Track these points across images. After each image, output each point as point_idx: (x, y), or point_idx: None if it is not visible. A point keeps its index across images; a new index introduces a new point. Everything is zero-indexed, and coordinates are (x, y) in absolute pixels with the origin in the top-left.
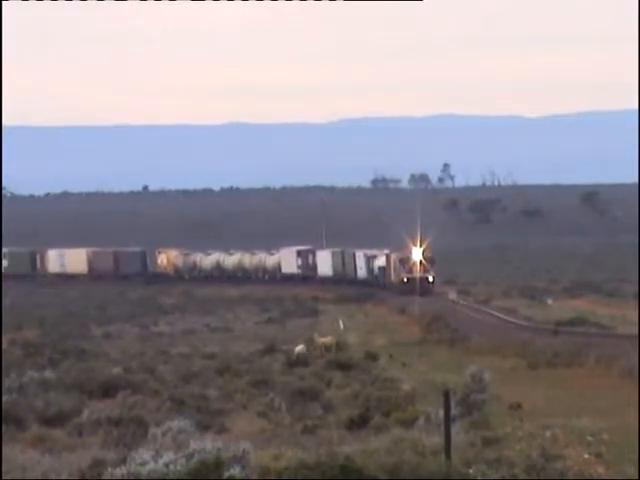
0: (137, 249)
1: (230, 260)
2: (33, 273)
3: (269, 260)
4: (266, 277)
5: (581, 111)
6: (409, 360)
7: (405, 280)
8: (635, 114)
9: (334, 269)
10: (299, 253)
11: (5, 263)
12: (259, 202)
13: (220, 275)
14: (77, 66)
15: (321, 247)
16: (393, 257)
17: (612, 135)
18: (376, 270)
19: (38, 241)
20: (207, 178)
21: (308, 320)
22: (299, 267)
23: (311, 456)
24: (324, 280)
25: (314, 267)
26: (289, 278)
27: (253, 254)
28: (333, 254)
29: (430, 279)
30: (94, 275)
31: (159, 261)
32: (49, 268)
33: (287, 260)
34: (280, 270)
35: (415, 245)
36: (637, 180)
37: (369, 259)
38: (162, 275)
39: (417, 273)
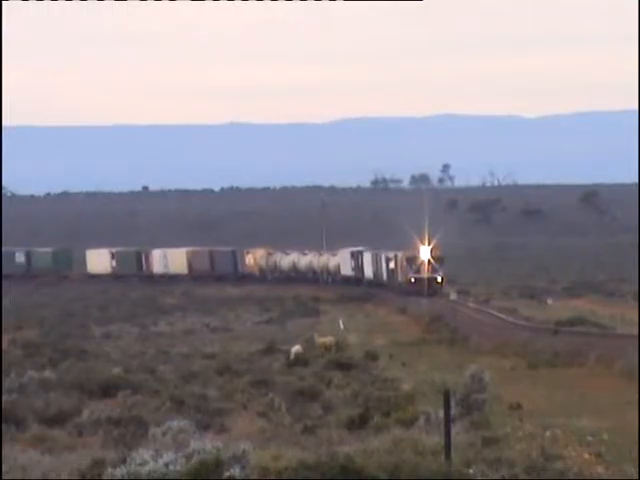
0: (229, 248)
1: (303, 261)
2: (139, 274)
3: (331, 261)
4: (329, 279)
5: (581, 111)
6: (409, 360)
7: (412, 280)
8: (635, 114)
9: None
10: (352, 254)
11: (114, 263)
12: (259, 202)
13: (296, 276)
14: (77, 66)
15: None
16: (400, 256)
17: (612, 135)
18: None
19: (38, 241)
20: (207, 178)
21: (308, 320)
22: (352, 269)
23: (311, 456)
24: (370, 282)
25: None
26: (347, 280)
27: (321, 255)
28: (375, 256)
29: (439, 279)
30: (194, 276)
31: (247, 261)
32: (154, 269)
33: (344, 261)
34: (340, 272)
35: (423, 244)
36: (637, 180)
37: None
38: (250, 275)
39: (425, 273)
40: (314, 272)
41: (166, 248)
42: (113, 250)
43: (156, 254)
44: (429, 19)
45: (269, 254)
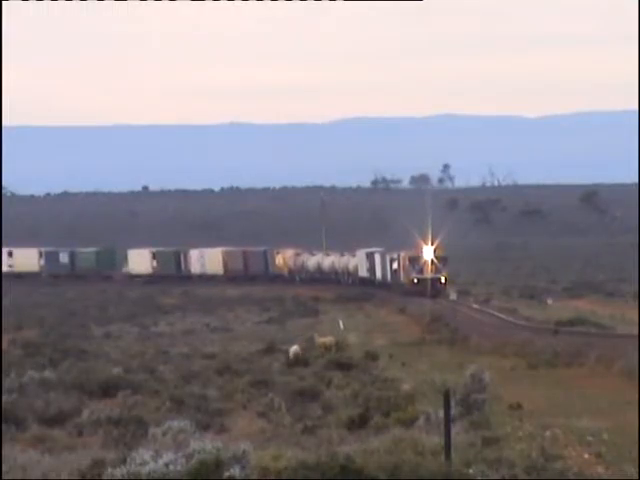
0: (260, 248)
1: (326, 262)
2: (178, 274)
3: (351, 262)
4: (350, 280)
5: (581, 111)
6: (409, 360)
7: (415, 281)
8: (635, 114)
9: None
10: (367, 255)
11: (154, 263)
12: (259, 202)
13: (320, 276)
14: (77, 66)
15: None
16: (402, 256)
17: (612, 135)
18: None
19: (38, 241)
20: (207, 178)
21: (308, 320)
22: (367, 270)
23: (311, 456)
24: (380, 283)
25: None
26: (363, 281)
27: (342, 256)
28: (382, 256)
29: (442, 280)
30: (229, 276)
31: (277, 261)
32: (192, 269)
33: (361, 262)
34: (357, 273)
35: (426, 244)
36: (637, 180)
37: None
38: (280, 276)
39: (428, 273)
40: (336, 273)
41: (203, 248)
42: (154, 250)
43: (194, 254)
44: (429, 19)
45: (297, 255)
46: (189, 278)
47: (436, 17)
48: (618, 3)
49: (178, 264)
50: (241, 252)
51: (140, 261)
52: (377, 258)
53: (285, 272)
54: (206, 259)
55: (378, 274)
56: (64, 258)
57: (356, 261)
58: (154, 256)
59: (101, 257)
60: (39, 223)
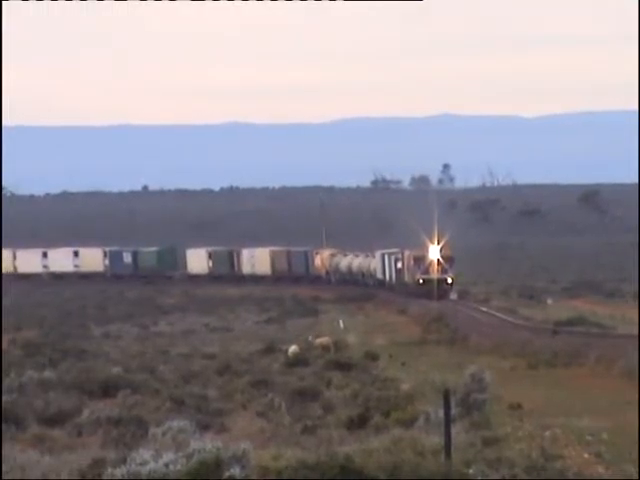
0: (302, 249)
1: (354, 263)
2: (232, 274)
3: (372, 264)
4: (371, 282)
5: (580, 111)
6: (409, 360)
7: (421, 281)
8: (634, 114)
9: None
10: (382, 256)
11: (210, 263)
12: (258, 202)
13: (350, 278)
14: (77, 65)
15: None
16: (407, 255)
17: (611, 135)
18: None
19: (37, 241)
20: (206, 178)
21: (308, 320)
22: (382, 271)
23: (311, 456)
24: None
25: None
26: (380, 283)
27: (366, 257)
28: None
29: (449, 281)
30: (276, 277)
31: (316, 262)
32: (243, 269)
33: (378, 264)
34: (376, 275)
35: (432, 243)
36: (636, 180)
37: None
38: (319, 277)
39: (434, 274)
40: (363, 275)
41: (253, 248)
42: (210, 250)
43: (245, 254)
44: (429, 19)
45: (332, 255)
46: (242, 278)
47: (436, 17)
48: (618, 3)
49: (232, 264)
50: (286, 252)
51: (197, 261)
52: (386, 259)
53: (323, 273)
54: (256, 259)
55: (387, 275)
56: (127, 258)
57: (375, 262)
58: (210, 256)
59: (162, 257)
60: (38, 223)
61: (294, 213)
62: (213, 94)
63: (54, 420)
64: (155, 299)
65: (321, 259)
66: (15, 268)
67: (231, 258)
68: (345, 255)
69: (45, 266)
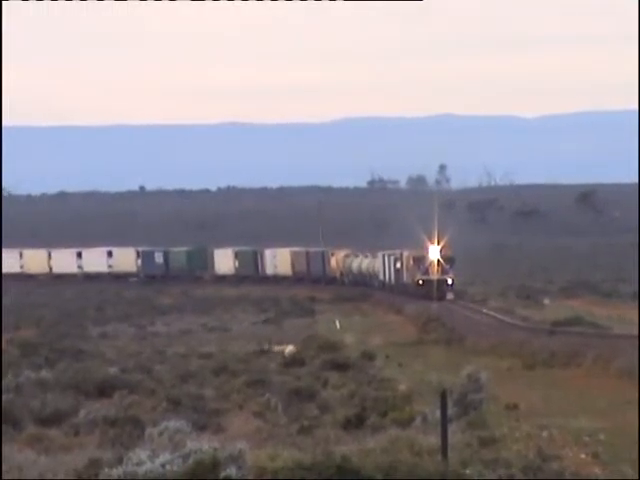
0: (319, 249)
1: (364, 264)
2: (256, 275)
3: (376, 264)
4: (375, 283)
5: (578, 111)
6: (406, 360)
7: (420, 282)
8: (633, 114)
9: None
10: (383, 257)
11: (236, 263)
12: (256, 202)
13: (361, 279)
14: (75, 66)
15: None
16: (406, 256)
17: (609, 135)
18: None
19: (35, 242)
20: (204, 178)
21: (305, 320)
22: (383, 272)
23: (307, 456)
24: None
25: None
26: (383, 284)
27: (372, 257)
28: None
29: (449, 282)
30: (296, 278)
31: (332, 263)
32: (267, 270)
33: (380, 265)
34: (378, 276)
35: (432, 243)
36: (635, 180)
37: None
38: (335, 278)
39: (434, 275)
40: (370, 276)
41: (275, 248)
42: (236, 249)
43: (268, 254)
44: (428, 19)
45: (346, 256)
46: (266, 279)
47: (434, 17)
48: (617, 3)
49: (256, 264)
50: (305, 253)
51: (225, 261)
52: (385, 260)
53: (338, 274)
54: (277, 260)
55: (386, 276)
56: (159, 258)
57: (378, 263)
58: (236, 256)
59: (192, 257)
60: (36, 223)
61: (292, 213)
62: (211, 94)
63: (51, 420)
64: (152, 299)
65: (336, 260)
66: (50, 268)
67: (255, 259)
68: (357, 256)
69: (80, 266)
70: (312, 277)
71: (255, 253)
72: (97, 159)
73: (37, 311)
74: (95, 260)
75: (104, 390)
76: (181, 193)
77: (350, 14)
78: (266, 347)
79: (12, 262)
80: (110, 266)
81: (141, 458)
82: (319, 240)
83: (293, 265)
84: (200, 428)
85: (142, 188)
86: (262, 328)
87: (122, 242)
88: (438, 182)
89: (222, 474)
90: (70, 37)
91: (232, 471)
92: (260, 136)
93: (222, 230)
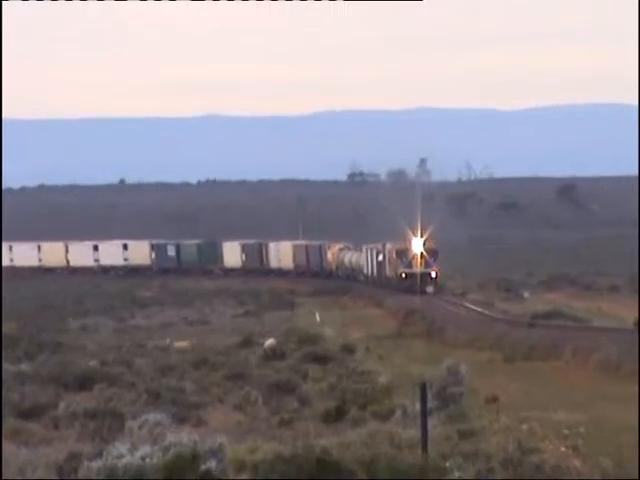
0: (317, 243)
1: (353, 257)
2: (262, 268)
3: (361, 258)
4: (360, 277)
5: (557, 104)
6: (386, 353)
7: (404, 276)
8: (612, 107)
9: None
10: (368, 251)
11: (244, 257)
12: (236, 195)
13: (352, 273)
14: (52, 59)
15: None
16: (389, 248)
17: (589, 128)
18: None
19: (13, 235)
20: (184, 171)
21: (284, 313)
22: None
23: (287, 449)
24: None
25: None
26: (366, 277)
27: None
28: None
29: (433, 275)
30: (297, 272)
31: (328, 257)
32: (271, 263)
33: (365, 258)
34: (362, 269)
35: (415, 235)
36: (615, 174)
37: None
38: (331, 272)
39: (418, 268)
40: (353, 269)
41: (279, 241)
42: (243, 242)
43: (272, 247)
44: (405, 14)
45: (340, 250)
46: (270, 272)
47: (411, 12)
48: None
49: (261, 258)
50: (304, 246)
51: (233, 254)
52: (368, 253)
53: (334, 268)
54: (281, 253)
55: (368, 269)
56: (171, 251)
57: (363, 257)
58: (243, 249)
59: (203, 250)
60: (15, 216)
61: (271, 206)
62: (190, 87)
63: (31, 413)
64: (133, 292)
65: (332, 254)
66: (68, 262)
67: (260, 252)
68: (349, 250)
69: (96, 259)
70: (312, 271)
71: (260, 246)
72: (77, 152)
73: (18, 304)
74: (111, 253)
75: (84, 383)
76: (161, 186)
77: (329, 9)
78: (167, 342)
79: (30, 255)
80: (126, 259)
81: (121, 451)
82: (297, 233)
83: (295, 258)
84: (180, 421)
85: (122, 181)
86: (242, 321)
87: (103, 235)
88: (418, 175)
89: (202, 467)
90: (48, 31)
91: (212, 464)
92: (240, 129)
93: (202, 223)
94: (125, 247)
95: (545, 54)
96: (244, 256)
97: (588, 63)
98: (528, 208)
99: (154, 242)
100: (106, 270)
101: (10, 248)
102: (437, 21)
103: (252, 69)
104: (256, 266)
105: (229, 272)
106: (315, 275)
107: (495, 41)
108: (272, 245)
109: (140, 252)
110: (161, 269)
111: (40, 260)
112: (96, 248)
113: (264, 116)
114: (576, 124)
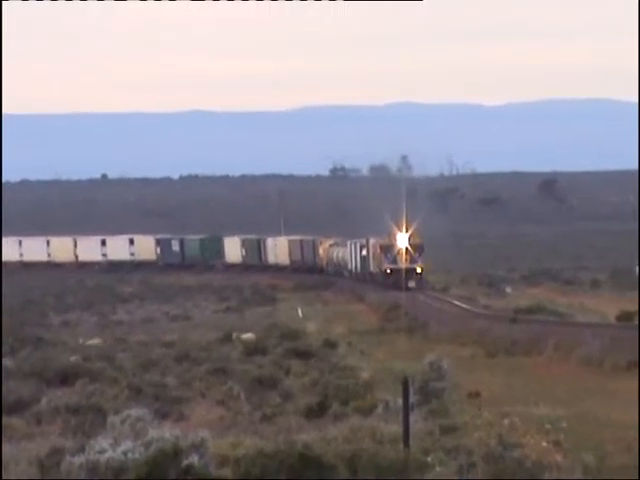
0: (310, 238)
1: (340, 253)
2: (260, 264)
3: (345, 254)
4: (346, 273)
5: (539, 99)
6: (368, 348)
7: (388, 271)
8: (593, 103)
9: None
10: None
11: (243, 252)
12: (218, 190)
13: (339, 268)
14: (32, 53)
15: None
16: (372, 243)
17: (570, 123)
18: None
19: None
20: (166, 166)
21: (266, 309)
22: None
23: (269, 444)
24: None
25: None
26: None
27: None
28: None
29: (418, 270)
30: (293, 267)
31: (320, 252)
32: (269, 259)
33: (349, 254)
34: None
35: (400, 230)
36: (593, 169)
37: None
38: (321, 269)
39: (403, 263)
40: (339, 265)
41: (276, 237)
42: (242, 238)
43: (269, 243)
44: (385, 8)
45: (330, 245)
46: (268, 268)
47: (393, 6)
48: None
49: (259, 253)
50: (299, 242)
51: (234, 250)
52: (352, 248)
53: (324, 263)
54: (277, 249)
55: (352, 265)
56: (175, 246)
57: (347, 252)
58: (243, 244)
59: (205, 245)
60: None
61: (253, 201)
62: (172, 82)
63: (13, 408)
64: (114, 287)
65: (323, 249)
66: (76, 257)
67: (259, 247)
68: (337, 244)
69: (104, 254)
70: (306, 266)
71: (259, 242)
72: (59, 147)
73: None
74: (118, 248)
75: (66, 378)
76: (142, 181)
77: (311, 5)
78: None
79: (39, 250)
80: (132, 254)
81: (103, 446)
82: (279, 228)
83: (290, 254)
84: (162, 416)
85: (104, 176)
86: (224, 316)
87: (84, 230)
88: (400, 170)
89: (184, 462)
90: (27, 26)
91: (194, 459)
92: (221, 124)
93: (184, 218)
94: (131, 242)
95: (525, 50)
96: (244, 251)
97: (569, 59)
98: (509, 203)
99: (159, 237)
100: (113, 265)
101: (20, 243)
102: (420, 17)
103: (235, 65)
104: (255, 261)
105: (229, 268)
106: (309, 271)
107: (477, 37)
108: (269, 240)
109: (146, 247)
110: (166, 264)
111: (49, 255)
112: (104, 243)
113: (247, 111)
114: (557, 120)
